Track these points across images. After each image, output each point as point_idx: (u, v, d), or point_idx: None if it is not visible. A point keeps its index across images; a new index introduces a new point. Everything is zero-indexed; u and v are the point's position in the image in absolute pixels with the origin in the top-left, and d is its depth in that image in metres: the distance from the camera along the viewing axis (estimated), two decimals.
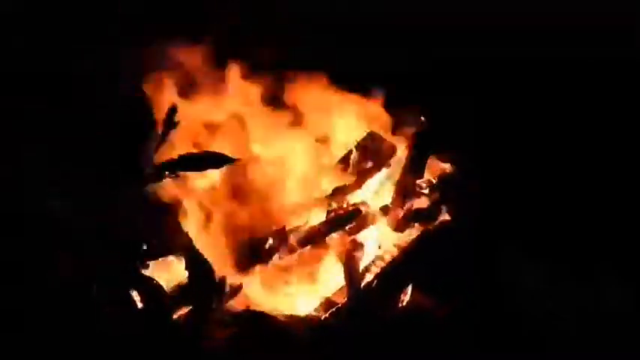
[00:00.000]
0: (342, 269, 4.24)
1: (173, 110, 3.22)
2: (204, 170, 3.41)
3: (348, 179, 4.49)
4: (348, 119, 4.67)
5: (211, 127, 4.24)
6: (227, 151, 3.68)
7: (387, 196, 4.49)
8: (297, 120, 4.59)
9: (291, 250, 4.27)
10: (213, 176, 4.00)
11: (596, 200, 4.77)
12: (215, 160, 2.63)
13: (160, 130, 2.84)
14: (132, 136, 2.55)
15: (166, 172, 2.53)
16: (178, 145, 3.64)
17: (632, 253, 4.50)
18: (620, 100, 5.13)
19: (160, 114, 3.35)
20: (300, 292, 4.28)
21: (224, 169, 3.10)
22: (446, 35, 5.12)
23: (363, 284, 4.20)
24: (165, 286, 3.61)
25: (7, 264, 3.28)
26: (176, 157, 2.52)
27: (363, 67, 4.90)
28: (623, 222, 4.69)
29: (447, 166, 4.52)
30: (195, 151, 3.61)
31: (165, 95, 3.74)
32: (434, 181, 4.46)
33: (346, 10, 5.21)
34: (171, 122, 2.66)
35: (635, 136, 5.02)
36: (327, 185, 4.47)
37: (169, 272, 3.83)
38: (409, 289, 4.19)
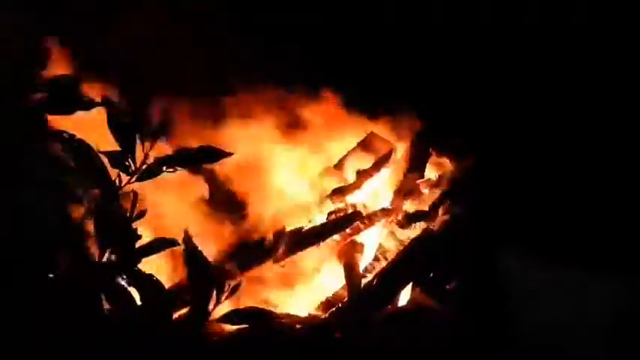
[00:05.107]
0: (342, 269, 4.24)
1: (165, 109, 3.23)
2: (201, 165, 3.41)
3: (348, 180, 4.49)
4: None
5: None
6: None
7: (387, 197, 4.50)
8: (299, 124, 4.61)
9: (292, 251, 4.27)
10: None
11: (599, 201, 4.74)
12: (211, 154, 2.62)
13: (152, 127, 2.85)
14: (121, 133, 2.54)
15: (163, 168, 2.53)
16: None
17: (634, 254, 4.47)
18: (624, 101, 5.11)
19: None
20: (300, 292, 4.28)
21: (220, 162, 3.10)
22: (446, 34, 5.13)
23: (363, 284, 4.20)
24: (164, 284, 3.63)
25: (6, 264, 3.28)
26: (171, 152, 2.52)
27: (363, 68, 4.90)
28: (626, 223, 4.67)
29: (447, 166, 4.51)
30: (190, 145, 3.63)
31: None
32: (434, 181, 4.46)
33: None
34: (164, 120, 2.66)
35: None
36: (327, 186, 4.48)
37: (168, 270, 3.86)
38: (409, 289, 4.19)
